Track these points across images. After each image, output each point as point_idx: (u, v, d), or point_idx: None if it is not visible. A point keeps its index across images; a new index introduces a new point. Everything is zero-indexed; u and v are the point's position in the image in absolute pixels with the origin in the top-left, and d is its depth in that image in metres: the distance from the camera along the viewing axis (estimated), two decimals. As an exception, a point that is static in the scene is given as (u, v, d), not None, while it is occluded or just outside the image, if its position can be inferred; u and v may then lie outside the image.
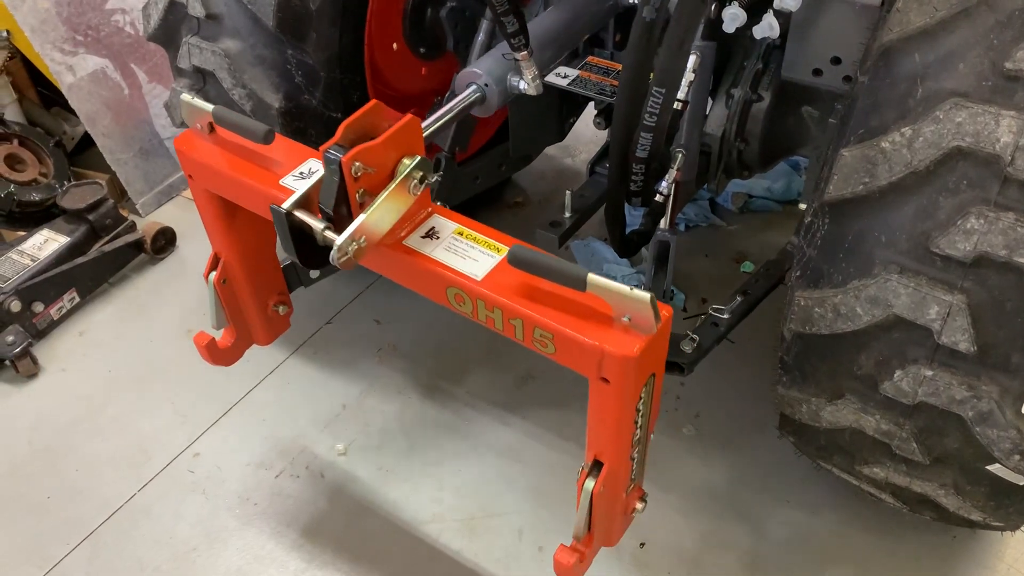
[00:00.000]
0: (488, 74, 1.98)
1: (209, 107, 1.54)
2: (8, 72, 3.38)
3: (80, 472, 2.40)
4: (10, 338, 2.68)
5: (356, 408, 2.52)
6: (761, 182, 3.15)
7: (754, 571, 2.08)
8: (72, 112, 3.27)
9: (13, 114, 3.41)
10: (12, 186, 3.17)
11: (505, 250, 1.38)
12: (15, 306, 2.73)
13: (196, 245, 3.16)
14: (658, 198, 2.04)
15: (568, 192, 2.31)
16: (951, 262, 1.36)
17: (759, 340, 2.58)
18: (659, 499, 2.21)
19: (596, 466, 1.42)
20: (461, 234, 1.45)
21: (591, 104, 2.59)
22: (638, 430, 1.41)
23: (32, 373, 2.72)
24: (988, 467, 1.51)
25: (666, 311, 1.25)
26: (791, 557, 2.08)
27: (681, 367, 1.93)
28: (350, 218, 1.36)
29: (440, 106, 1.99)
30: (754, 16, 1.95)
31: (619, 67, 2.28)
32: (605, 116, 2.49)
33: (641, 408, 1.36)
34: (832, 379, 1.61)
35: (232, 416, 2.53)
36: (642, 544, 2.12)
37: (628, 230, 2.16)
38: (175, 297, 3.00)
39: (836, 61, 2.00)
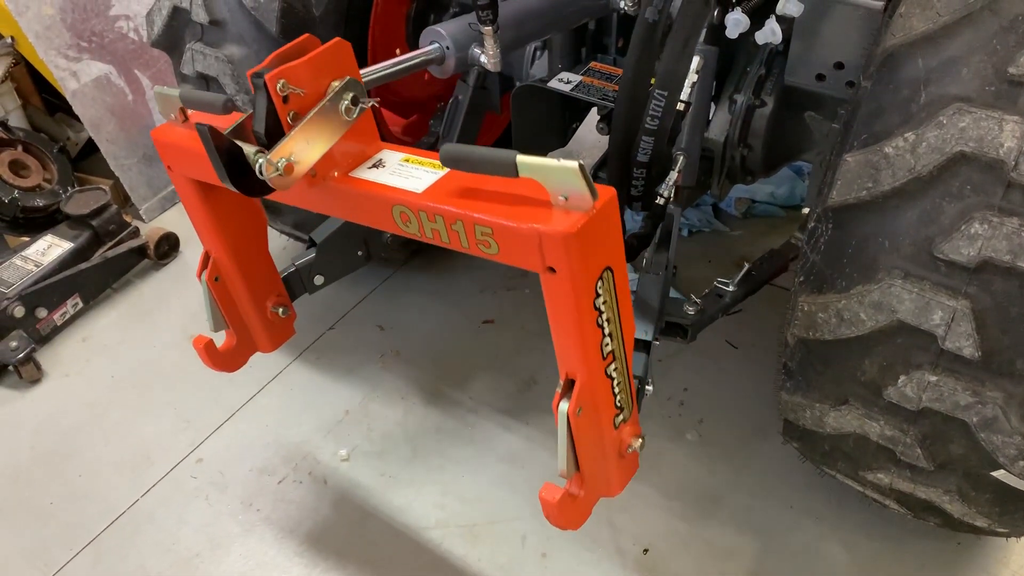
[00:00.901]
0: (451, 37, 2.00)
1: (176, 91, 1.55)
2: (12, 78, 3.39)
3: (83, 477, 2.40)
4: (14, 343, 2.69)
5: (359, 414, 2.52)
6: (764, 187, 3.15)
7: (758, 577, 2.08)
8: (76, 118, 3.28)
9: (17, 120, 3.43)
10: (16, 192, 3.18)
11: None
12: (19, 311, 2.74)
13: (200, 251, 3.15)
14: (659, 201, 2.04)
15: None
16: (955, 267, 1.35)
17: (762, 346, 2.58)
18: (662, 505, 2.21)
19: (569, 386, 1.36)
20: (408, 161, 1.44)
21: (594, 109, 2.59)
22: (606, 337, 1.35)
23: (35, 378, 2.73)
24: (993, 473, 1.51)
25: (607, 191, 1.22)
26: (795, 564, 2.07)
27: (684, 329, 1.92)
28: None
29: (443, 111, 1.99)
30: (757, 21, 1.95)
31: (621, 72, 2.28)
32: (608, 121, 2.49)
33: (603, 309, 1.31)
34: (836, 385, 1.61)
35: (235, 422, 2.53)
36: (645, 550, 2.11)
37: (628, 234, 2.15)
38: (178, 303, 3.01)
39: (839, 66, 2.00)
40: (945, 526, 1.77)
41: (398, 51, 2.45)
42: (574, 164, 1.16)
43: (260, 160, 1.30)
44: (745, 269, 2.05)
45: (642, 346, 1.74)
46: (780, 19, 1.92)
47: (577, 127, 2.81)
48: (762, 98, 2.18)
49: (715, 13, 1.95)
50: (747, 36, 1.96)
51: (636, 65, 1.78)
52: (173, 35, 2.26)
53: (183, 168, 1.65)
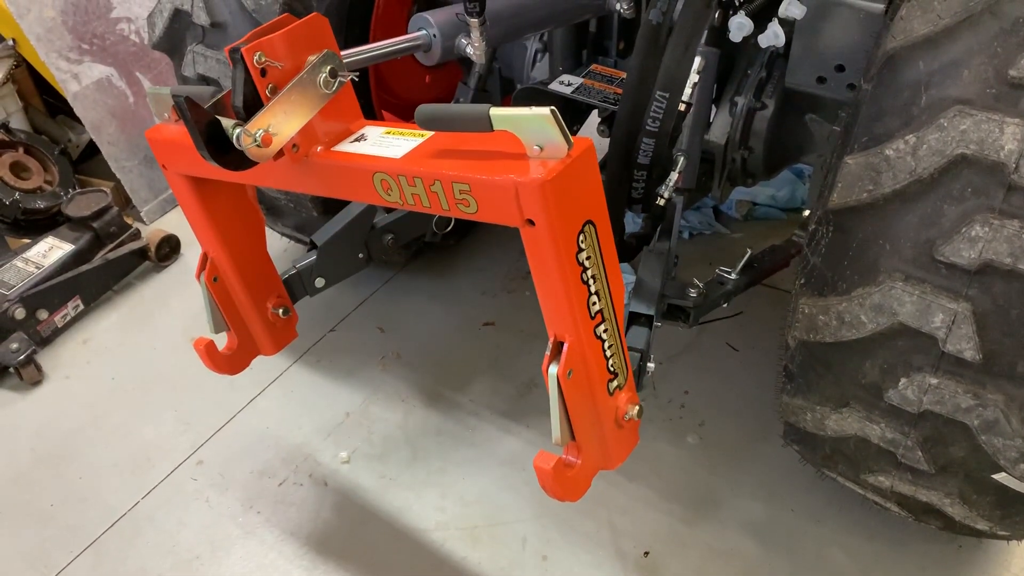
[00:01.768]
0: (438, 26, 2.02)
1: (167, 90, 1.56)
2: (14, 80, 3.40)
3: (84, 479, 2.40)
4: (14, 345, 2.69)
5: (359, 416, 2.52)
6: (765, 190, 3.15)
7: (759, 580, 2.07)
8: (77, 120, 3.28)
9: (18, 122, 3.43)
10: (17, 194, 3.18)
11: (428, 135, 1.37)
12: (19, 313, 2.74)
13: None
14: (659, 202, 2.04)
15: None
16: (956, 270, 1.35)
17: (763, 348, 2.58)
18: (663, 508, 2.20)
19: (558, 348, 1.34)
20: (389, 133, 1.45)
21: (594, 111, 2.59)
22: (593, 296, 1.32)
23: (36, 380, 2.73)
24: (994, 476, 1.51)
25: (583, 141, 1.22)
26: (795, 566, 2.07)
27: (686, 312, 1.92)
28: None
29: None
30: (759, 24, 1.95)
31: (623, 75, 2.28)
32: (609, 124, 2.49)
33: (587, 265, 1.30)
34: (837, 387, 1.61)
35: (235, 424, 2.53)
36: (646, 553, 2.11)
37: (627, 234, 2.15)
38: (179, 305, 3.01)
39: (840, 69, 2.00)
40: (946, 529, 1.77)
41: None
42: (546, 110, 1.16)
43: (238, 131, 1.31)
44: (747, 257, 2.04)
45: (644, 320, 1.73)
46: (782, 22, 1.92)
47: (578, 129, 2.81)
48: (763, 100, 2.18)
49: (716, 15, 1.95)
50: (749, 39, 1.96)
51: (640, 67, 1.78)
52: (174, 37, 2.26)
53: (177, 165, 1.66)
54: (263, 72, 1.34)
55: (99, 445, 2.50)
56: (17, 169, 3.26)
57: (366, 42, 2.28)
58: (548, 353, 1.34)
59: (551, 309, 1.33)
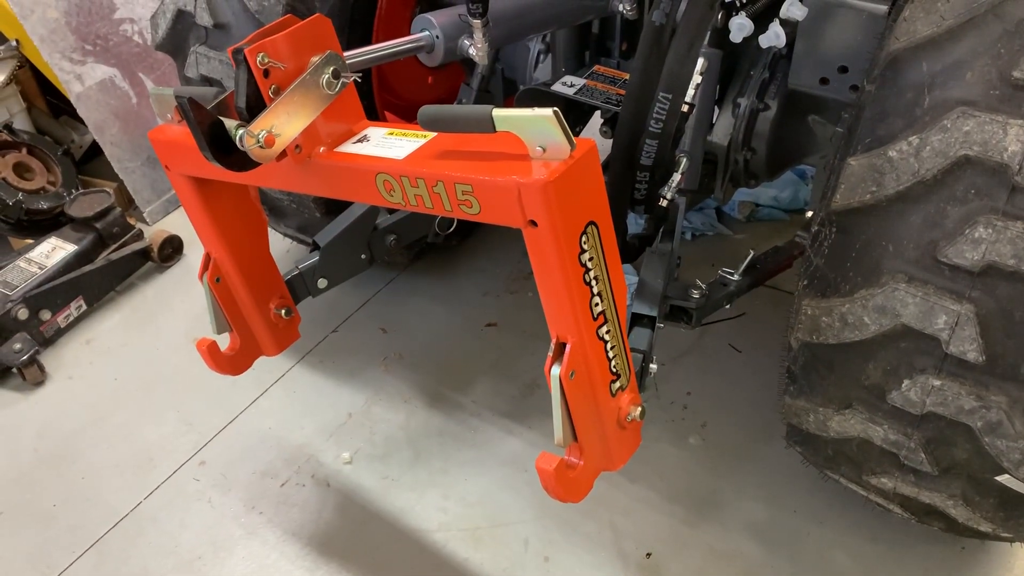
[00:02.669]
0: (441, 28, 2.03)
1: (170, 90, 1.56)
2: (17, 81, 3.41)
3: (86, 480, 2.41)
4: (17, 346, 2.69)
5: (362, 417, 2.52)
6: (768, 191, 3.15)
7: (761, 582, 2.07)
8: (80, 121, 3.29)
9: (22, 123, 3.44)
10: (20, 194, 3.19)
11: (431, 136, 1.37)
12: (22, 314, 2.74)
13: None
14: (662, 203, 2.04)
15: None
16: (959, 271, 1.35)
17: (766, 350, 2.57)
18: (665, 509, 2.20)
19: (561, 349, 1.34)
20: (392, 134, 1.45)
21: (597, 113, 2.59)
22: (596, 297, 1.32)
23: (39, 381, 2.73)
24: (997, 478, 1.50)
25: (586, 142, 1.22)
26: (798, 568, 2.07)
27: (689, 314, 1.92)
28: None
29: None
30: (761, 25, 1.95)
31: (625, 76, 2.28)
32: (611, 125, 2.49)
33: (590, 266, 1.30)
34: (839, 389, 1.61)
35: (238, 424, 2.53)
36: (648, 554, 2.11)
37: (629, 235, 2.15)
38: (182, 305, 3.01)
39: (843, 70, 2.00)
40: (949, 531, 1.77)
41: (402, 55, 2.45)
42: (548, 111, 1.16)
43: (241, 132, 1.31)
44: (749, 258, 2.04)
45: (646, 321, 1.73)
46: (784, 23, 1.92)
47: (581, 131, 2.81)
48: (766, 102, 2.18)
49: (719, 16, 1.95)
50: (751, 40, 1.96)
51: (643, 68, 1.78)
52: (177, 38, 2.26)
53: (180, 165, 1.66)
54: (266, 73, 1.34)
55: (101, 445, 2.51)
56: (20, 170, 3.26)
57: (369, 43, 2.29)
58: (550, 354, 1.34)
59: (553, 310, 1.33)
